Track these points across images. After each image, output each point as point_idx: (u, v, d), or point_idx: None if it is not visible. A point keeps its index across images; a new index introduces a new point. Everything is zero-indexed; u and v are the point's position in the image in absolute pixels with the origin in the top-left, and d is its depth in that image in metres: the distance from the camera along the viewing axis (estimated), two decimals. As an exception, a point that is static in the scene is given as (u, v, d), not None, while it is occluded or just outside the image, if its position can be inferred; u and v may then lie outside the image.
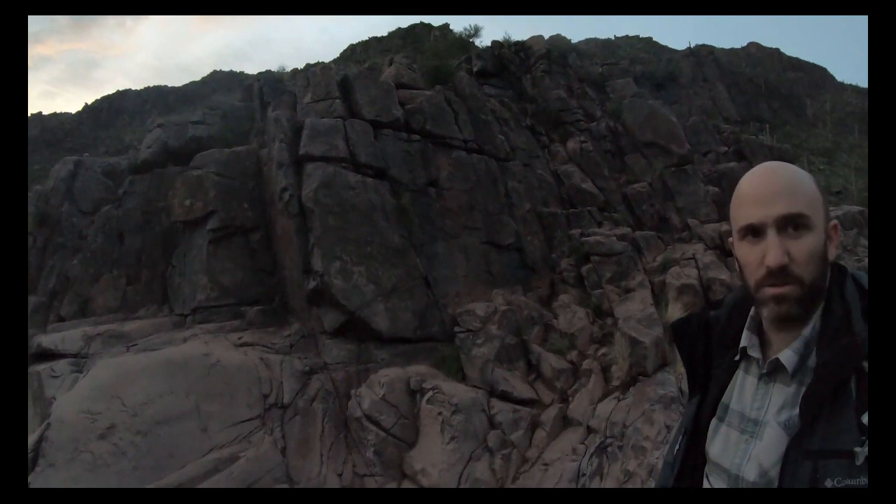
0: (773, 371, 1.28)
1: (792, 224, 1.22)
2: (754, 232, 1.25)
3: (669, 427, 8.14)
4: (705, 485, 1.37)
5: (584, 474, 7.93)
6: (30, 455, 7.66)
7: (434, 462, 8.32)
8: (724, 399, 1.36)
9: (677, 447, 1.47)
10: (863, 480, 1.07)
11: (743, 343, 1.35)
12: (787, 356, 1.25)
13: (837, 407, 1.14)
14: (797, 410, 1.19)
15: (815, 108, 26.07)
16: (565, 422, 9.03)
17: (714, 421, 1.37)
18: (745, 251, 1.27)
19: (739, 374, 1.37)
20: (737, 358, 1.37)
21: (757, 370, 1.32)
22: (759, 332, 1.35)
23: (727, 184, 13.71)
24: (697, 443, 1.40)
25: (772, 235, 1.22)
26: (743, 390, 1.34)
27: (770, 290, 1.23)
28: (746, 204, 1.27)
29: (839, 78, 30.63)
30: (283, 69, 15.97)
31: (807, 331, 1.25)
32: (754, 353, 1.32)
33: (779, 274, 1.20)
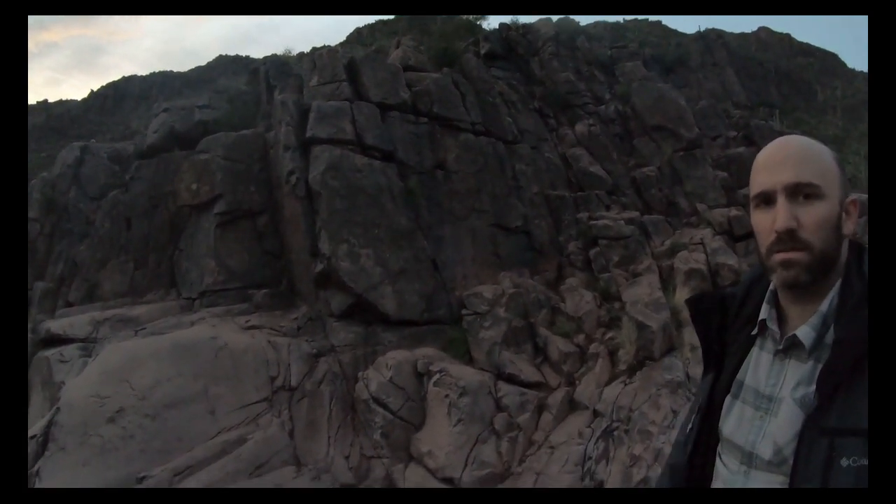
0: (789, 347, 1.26)
1: (802, 192, 1.21)
2: (766, 199, 1.25)
3: (675, 412, 8.14)
4: (717, 464, 1.36)
5: (590, 458, 7.95)
6: (39, 439, 7.73)
7: (441, 444, 8.34)
8: (739, 376, 1.35)
9: (690, 426, 1.45)
10: None
11: (762, 316, 1.33)
12: (804, 332, 1.23)
13: (854, 384, 1.12)
14: (813, 387, 1.17)
15: (826, 94, 25.76)
16: (572, 405, 9.04)
17: (728, 398, 1.35)
18: (758, 218, 1.27)
19: (755, 350, 1.35)
20: (753, 332, 1.35)
21: (772, 346, 1.30)
22: (776, 306, 1.33)
23: (736, 169, 13.58)
24: (711, 420, 1.38)
25: (781, 201, 1.22)
26: (758, 367, 1.32)
27: (779, 256, 1.22)
28: (760, 172, 1.27)
29: (850, 65, 30.23)
30: (290, 52, 15.88)
31: (824, 306, 1.23)
32: (773, 325, 1.30)
33: (787, 238, 1.20)
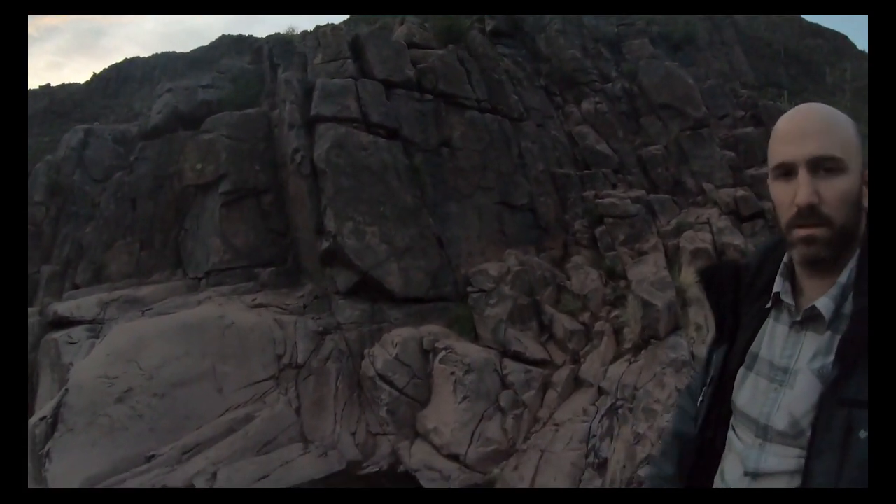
0: (807, 319, 1.24)
1: (824, 166, 1.17)
2: (787, 170, 1.21)
3: (680, 390, 8.12)
4: (731, 436, 1.34)
5: (594, 435, 7.96)
6: (49, 421, 7.81)
7: (446, 421, 8.38)
8: (753, 348, 1.32)
9: (701, 398, 1.43)
10: None
11: (776, 289, 1.30)
12: (823, 303, 1.20)
13: None
14: (831, 358, 1.15)
15: (835, 76, 25.44)
16: (577, 383, 9.04)
17: (742, 370, 1.33)
18: (778, 190, 1.24)
19: (770, 322, 1.32)
20: (768, 305, 1.32)
21: (788, 318, 1.28)
22: (791, 278, 1.30)
23: (744, 149, 13.46)
24: (724, 392, 1.37)
25: (803, 174, 1.18)
26: (773, 339, 1.30)
27: (800, 232, 1.19)
28: (780, 141, 1.23)
29: (860, 47, 29.75)
30: (293, 31, 15.69)
31: (843, 278, 1.21)
32: (787, 298, 1.28)
33: (808, 213, 1.17)
